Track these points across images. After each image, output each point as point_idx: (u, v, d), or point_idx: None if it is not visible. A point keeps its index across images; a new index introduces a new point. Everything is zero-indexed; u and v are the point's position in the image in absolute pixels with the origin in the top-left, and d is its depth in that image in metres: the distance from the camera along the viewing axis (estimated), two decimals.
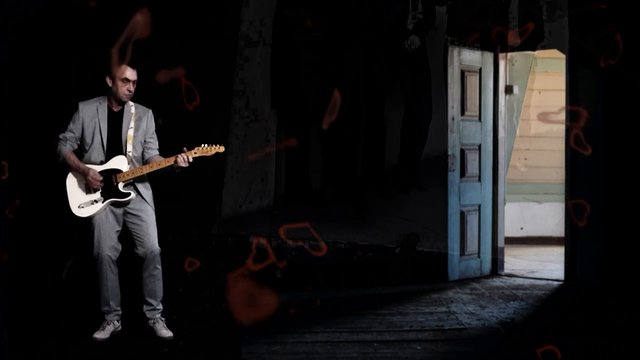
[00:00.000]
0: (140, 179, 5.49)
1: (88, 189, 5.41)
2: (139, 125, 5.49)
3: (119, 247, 5.48)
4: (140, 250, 5.45)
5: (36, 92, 6.01)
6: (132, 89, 5.42)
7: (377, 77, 7.56)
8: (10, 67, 5.94)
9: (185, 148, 5.36)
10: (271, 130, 7.25)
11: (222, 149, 5.46)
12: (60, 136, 5.45)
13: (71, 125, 5.45)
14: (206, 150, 5.42)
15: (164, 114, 5.67)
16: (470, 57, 7.59)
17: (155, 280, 5.48)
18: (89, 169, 5.38)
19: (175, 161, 5.36)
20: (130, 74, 5.40)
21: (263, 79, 7.15)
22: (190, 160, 5.37)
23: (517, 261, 8.53)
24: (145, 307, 5.50)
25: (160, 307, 5.53)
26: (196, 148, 5.41)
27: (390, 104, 7.60)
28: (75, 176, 5.43)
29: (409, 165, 7.77)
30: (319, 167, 7.49)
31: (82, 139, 5.46)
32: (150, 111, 5.57)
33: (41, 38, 6.01)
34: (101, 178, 5.37)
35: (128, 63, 5.39)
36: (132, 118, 5.47)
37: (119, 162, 5.43)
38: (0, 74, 5.92)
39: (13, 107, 5.97)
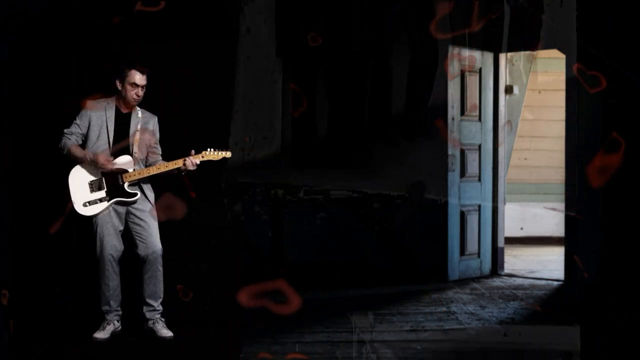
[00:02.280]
0: (145, 180, 5.49)
1: (92, 187, 5.40)
2: (146, 129, 5.51)
3: (122, 246, 5.48)
4: (142, 251, 5.45)
5: (36, 91, 6.00)
6: (140, 93, 5.42)
7: (383, 23, 7.47)
8: (10, 67, 5.94)
9: (193, 151, 5.39)
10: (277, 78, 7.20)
11: (228, 154, 5.50)
12: (66, 131, 5.43)
13: (77, 121, 5.44)
14: (214, 155, 5.44)
15: (164, 113, 5.67)
16: (471, 57, 7.59)
17: (156, 281, 5.48)
18: (97, 153, 5.36)
19: (183, 164, 5.38)
20: (140, 78, 5.39)
21: (268, 26, 7.10)
22: (198, 163, 5.40)
23: (517, 261, 8.53)
24: (145, 308, 5.50)
25: (160, 308, 5.53)
26: (203, 152, 5.43)
27: (397, 52, 7.50)
28: (80, 173, 5.42)
29: (416, 114, 7.65)
30: (326, 115, 7.42)
31: (87, 136, 5.45)
32: (156, 117, 5.59)
33: (41, 38, 6.01)
34: (113, 159, 5.37)
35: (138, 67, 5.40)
36: (140, 121, 5.48)
37: (125, 162, 5.43)
38: (0, 74, 5.91)
39: (13, 107, 5.96)
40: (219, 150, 5.48)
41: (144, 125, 5.51)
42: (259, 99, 7.05)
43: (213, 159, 5.47)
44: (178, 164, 5.42)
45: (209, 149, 5.46)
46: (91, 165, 5.39)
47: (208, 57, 6.38)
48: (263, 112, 7.04)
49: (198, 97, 6.27)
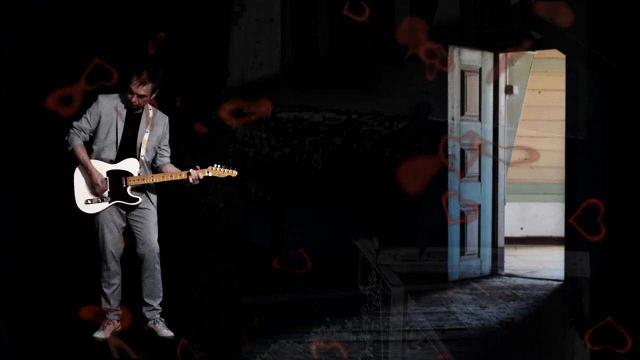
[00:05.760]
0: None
1: None
2: (155, 131, 5.46)
3: (123, 244, 5.47)
4: (140, 249, 5.45)
5: (36, 91, 6.00)
6: (136, 101, 5.33)
7: None
8: (10, 67, 5.94)
9: (197, 166, 5.37)
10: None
11: (234, 173, 5.46)
12: (75, 124, 5.38)
13: (88, 116, 5.38)
14: (220, 172, 5.42)
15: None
16: (470, 57, 7.59)
17: (154, 281, 5.48)
18: (97, 173, 5.35)
19: (188, 177, 5.36)
20: (135, 85, 5.29)
21: None
22: (201, 177, 5.38)
23: (517, 261, 8.53)
24: (144, 309, 5.49)
25: (160, 307, 5.52)
26: (210, 167, 5.40)
27: None
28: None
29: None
30: (328, 35, 7.30)
31: (95, 133, 5.41)
32: (167, 118, 5.53)
33: (41, 38, 6.01)
34: (107, 188, 5.36)
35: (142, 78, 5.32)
36: (150, 122, 5.44)
37: (130, 165, 5.41)
38: (0, 74, 5.91)
39: (13, 107, 5.96)
40: (225, 168, 5.44)
41: (154, 127, 5.46)
42: (257, 18, 6.86)
43: (218, 175, 5.43)
44: (183, 175, 5.39)
45: (215, 165, 5.42)
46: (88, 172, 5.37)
47: (203, 56, 6.36)
48: (262, 31, 6.88)
49: (194, 97, 6.25)
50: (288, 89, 6.97)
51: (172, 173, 5.42)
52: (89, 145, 5.43)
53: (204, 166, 5.41)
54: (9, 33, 5.90)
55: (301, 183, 6.94)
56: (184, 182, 5.41)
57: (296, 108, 6.99)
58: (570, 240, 7.32)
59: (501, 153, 7.89)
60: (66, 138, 5.39)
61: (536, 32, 7.39)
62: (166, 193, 5.73)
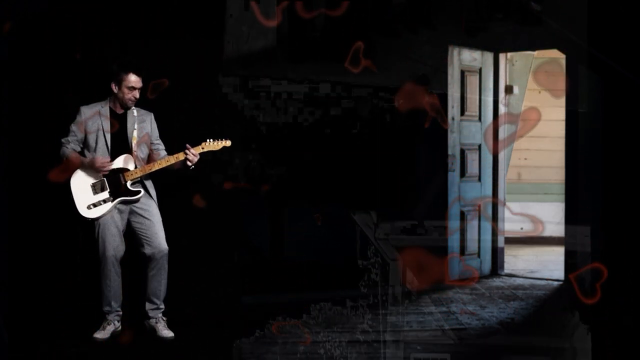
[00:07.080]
0: (146, 177, 5.49)
1: (95, 188, 5.40)
2: (143, 127, 5.51)
3: (123, 247, 5.48)
4: (148, 250, 5.45)
5: (36, 91, 6.01)
6: (137, 95, 5.45)
7: None
8: (10, 67, 5.95)
9: (188, 145, 5.38)
10: None
11: (228, 143, 5.51)
12: (63, 140, 5.46)
13: (73, 128, 5.45)
14: (213, 145, 5.45)
15: (157, 111, 5.68)
16: (470, 57, 7.59)
17: (160, 279, 5.48)
18: (93, 158, 5.37)
19: (185, 157, 5.36)
20: (136, 81, 5.41)
21: None
22: (197, 155, 5.39)
23: (517, 261, 8.54)
24: (148, 306, 5.50)
25: (163, 306, 5.53)
26: (203, 143, 5.44)
27: None
28: (81, 176, 5.42)
29: (418, 1, 7.31)
30: (324, 4, 7.24)
31: (85, 142, 5.45)
32: (152, 114, 5.60)
33: (41, 38, 6.02)
34: (109, 159, 5.37)
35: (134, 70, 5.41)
36: (136, 120, 5.48)
37: (125, 161, 5.44)
38: (0, 74, 5.92)
39: (13, 107, 5.97)
40: (218, 140, 5.48)
41: (141, 124, 5.51)
42: None
43: (213, 149, 5.48)
44: (179, 157, 5.42)
45: (208, 140, 5.46)
46: (90, 170, 5.39)
47: (197, 55, 6.37)
48: (257, 3, 6.82)
49: (190, 94, 6.26)
50: (284, 62, 6.95)
51: (167, 158, 5.45)
52: (83, 156, 5.46)
53: (196, 144, 5.44)
54: (9, 33, 5.90)
55: (300, 169, 6.92)
56: (186, 165, 5.41)
57: (293, 82, 6.96)
58: (570, 215, 7.30)
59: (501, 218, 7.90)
60: (60, 153, 5.45)
61: (536, 4, 7.35)
62: (166, 193, 5.74)
